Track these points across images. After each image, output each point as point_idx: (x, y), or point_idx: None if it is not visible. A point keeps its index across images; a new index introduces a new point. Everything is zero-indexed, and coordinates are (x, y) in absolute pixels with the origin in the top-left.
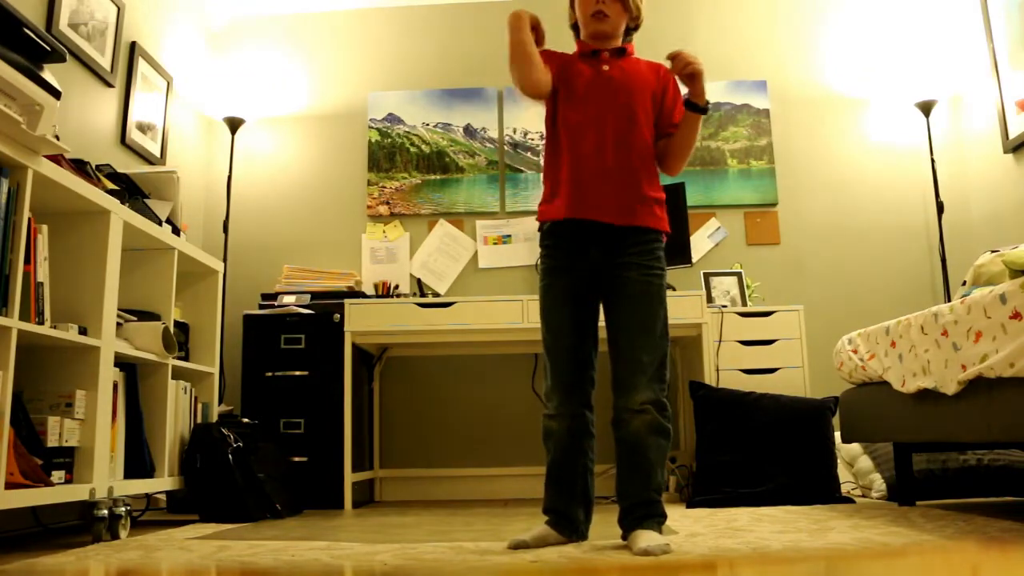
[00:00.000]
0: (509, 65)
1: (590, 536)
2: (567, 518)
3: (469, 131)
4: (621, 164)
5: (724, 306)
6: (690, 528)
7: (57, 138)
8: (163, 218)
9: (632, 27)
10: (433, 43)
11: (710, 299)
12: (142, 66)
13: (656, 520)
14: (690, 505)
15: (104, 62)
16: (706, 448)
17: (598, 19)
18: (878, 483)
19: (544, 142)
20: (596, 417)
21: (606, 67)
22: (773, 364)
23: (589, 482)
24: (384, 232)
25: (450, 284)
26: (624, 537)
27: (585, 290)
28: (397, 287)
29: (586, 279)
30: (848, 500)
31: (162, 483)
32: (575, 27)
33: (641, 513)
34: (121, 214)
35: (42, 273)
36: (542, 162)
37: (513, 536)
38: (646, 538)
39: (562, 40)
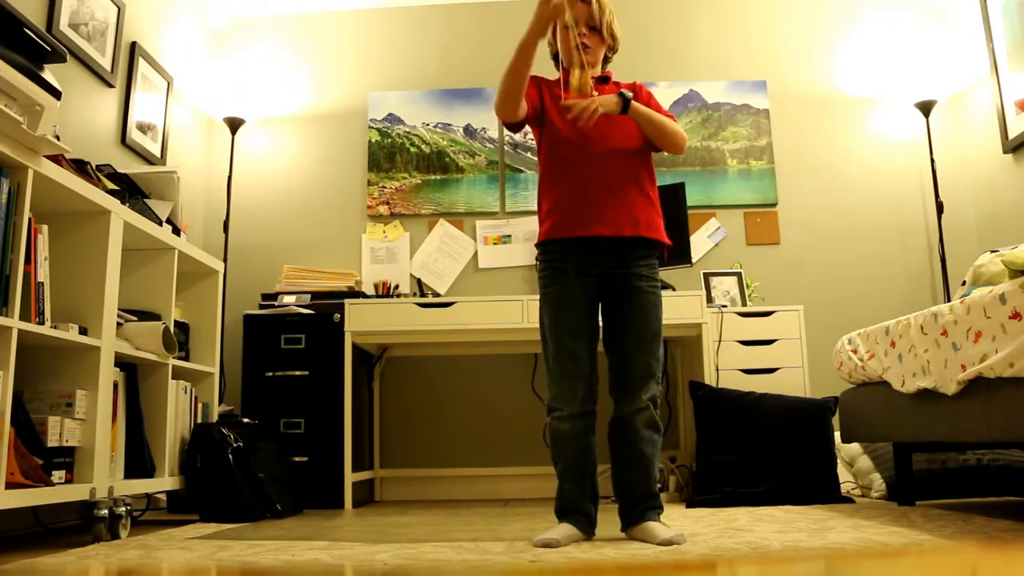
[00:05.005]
0: (502, 78)
1: None
2: (586, 516)
3: (469, 131)
4: (619, 184)
5: (724, 306)
6: (690, 528)
7: (57, 138)
8: (163, 218)
9: (609, 55)
10: (433, 43)
11: (710, 299)
12: (142, 66)
13: (658, 512)
14: (690, 505)
15: (104, 62)
16: (706, 448)
17: (581, 51)
18: (878, 483)
19: (539, 162)
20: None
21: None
22: (773, 364)
23: (596, 480)
24: (384, 232)
25: (450, 284)
26: (625, 529)
27: (592, 294)
28: (397, 287)
29: (594, 284)
30: (848, 500)
31: (162, 483)
32: (556, 56)
33: (645, 506)
34: (121, 214)
35: (42, 273)
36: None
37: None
38: (663, 530)
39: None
